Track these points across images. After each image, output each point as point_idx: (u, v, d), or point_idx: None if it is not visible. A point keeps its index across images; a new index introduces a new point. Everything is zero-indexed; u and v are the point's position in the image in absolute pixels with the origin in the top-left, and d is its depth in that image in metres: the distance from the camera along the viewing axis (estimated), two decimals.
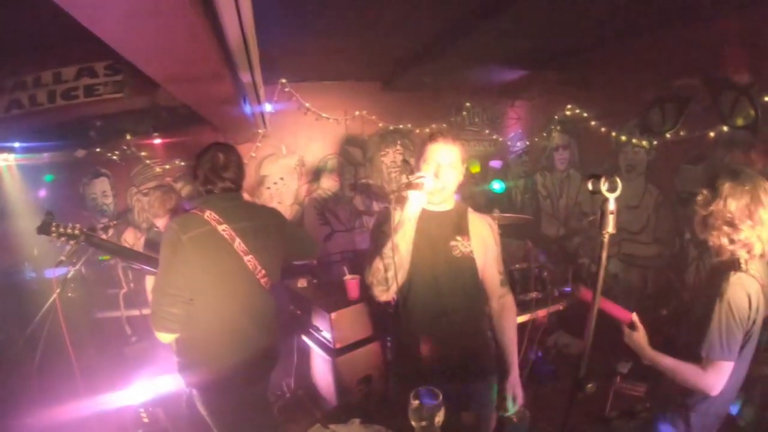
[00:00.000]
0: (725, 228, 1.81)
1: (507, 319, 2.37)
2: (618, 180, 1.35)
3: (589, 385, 1.47)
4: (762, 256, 1.82)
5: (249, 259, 2.28)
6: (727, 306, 1.74)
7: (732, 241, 1.81)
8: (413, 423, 1.62)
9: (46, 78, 2.99)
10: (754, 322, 1.78)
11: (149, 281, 3.24)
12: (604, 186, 1.35)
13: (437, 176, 2.10)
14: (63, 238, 2.52)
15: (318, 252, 2.85)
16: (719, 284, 1.78)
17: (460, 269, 2.21)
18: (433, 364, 2.19)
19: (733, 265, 1.81)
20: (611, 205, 1.36)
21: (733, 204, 1.79)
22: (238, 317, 2.28)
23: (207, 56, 1.83)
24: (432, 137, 2.16)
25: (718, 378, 1.78)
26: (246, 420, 2.37)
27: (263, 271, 2.33)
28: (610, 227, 1.37)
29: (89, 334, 3.81)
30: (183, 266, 2.12)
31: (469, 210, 2.35)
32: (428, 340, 2.20)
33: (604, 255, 1.41)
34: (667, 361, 1.89)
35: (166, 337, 2.18)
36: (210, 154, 2.37)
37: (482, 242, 2.27)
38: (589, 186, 1.37)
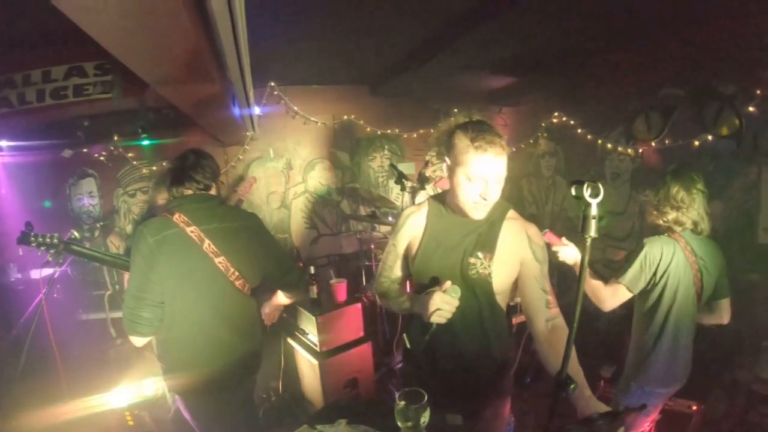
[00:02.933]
0: (661, 208, 2.39)
1: (559, 344, 1.81)
2: (600, 186, 1.38)
3: (572, 386, 1.49)
4: (698, 231, 2.37)
5: (220, 261, 2.25)
6: (643, 253, 2.33)
7: (665, 220, 2.38)
8: (399, 424, 1.64)
9: (36, 76, 2.98)
10: (666, 271, 2.32)
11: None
12: (586, 192, 1.37)
13: (485, 197, 1.80)
14: (43, 248, 2.55)
15: (300, 278, 2.77)
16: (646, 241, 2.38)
17: (474, 291, 1.93)
18: (435, 378, 2.04)
19: (658, 231, 2.41)
20: (593, 210, 1.39)
21: (670, 191, 2.36)
22: (211, 320, 2.26)
23: (199, 58, 1.83)
24: (478, 145, 1.75)
25: (614, 297, 2.38)
26: (230, 424, 2.36)
27: (236, 273, 2.29)
28: (593, 231, 1.40)
29: (74, 335, 3.77)
30: (150, 269, 2.12)
31: (509, 215, 2.00)
32: (433, 355, 2.06)
33: (587, 258, 1.44)
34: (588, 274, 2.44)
35: (138, 341, 2.20)
36: (180, 157, 2.38)
37: (510, 259, 1.94)
38: (573, 191, 1.40)
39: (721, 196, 2.28)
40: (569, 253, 2.48)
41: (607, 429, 2.14)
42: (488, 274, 1.90)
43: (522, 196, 6.23)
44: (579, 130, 5.10)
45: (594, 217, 1.39)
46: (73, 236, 3.02)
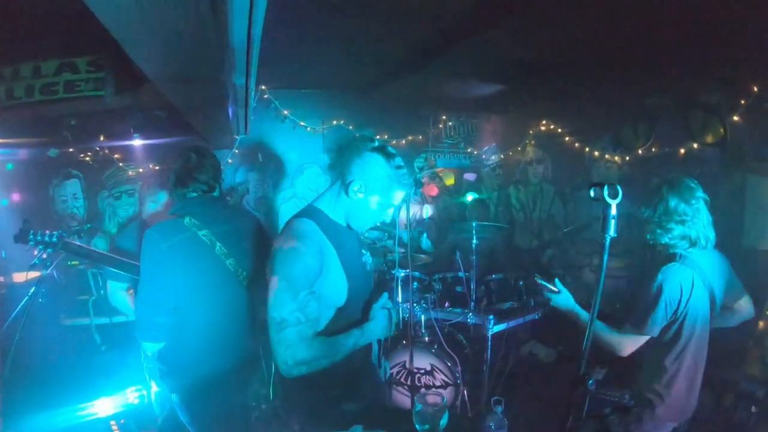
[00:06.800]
0: (664, 225, 2.12)
1: None
2: (619, 187, 1.41)
3: (591, 381, 1.49)
4: (704, 245, 2.13)
5: (230, 262, 2.26)
6: (662, 293, 2.04)
7: (671, 237, 2.12)
8: (417, 427, 1.62)
9: (26, 71, 2.88)
10: (687, 305, 2.06)
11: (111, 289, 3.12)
12: (605, 193, 1.39)
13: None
14: (40, 247, 2.44)
15: None
16: (656, 273, 2.09)
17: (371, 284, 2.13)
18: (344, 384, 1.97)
19: (672, 257, 2.13)
20: (613, 210, 1.42)
21: (669, 204, 2.10)
22: (222, 320, 2.27)
23: (208, 46, 1.77)
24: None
25: (632, 345, 2.13)
26: (229, 427, 2.35)
27: (244, 273, 2.31)
28: (612, 231, 1.42)
29: (58, 342, 3.64)
30: (164, 274, 2.10)
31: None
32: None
33: (605, 257, 1.46)
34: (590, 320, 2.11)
35: (152, 347, 2.16)
36: (183, 157, 2.33)
37: None
38: (591, 193, 1.42)
39: (707, 201, 2.20)
40: (561, 301, 2.30)
41: (618, 422, 2.18)
42: (372, 264, 2.11)
43: (509, 203, 6.27)
44: (567, 138, 5.17)
45: (614, 217, 1.42)
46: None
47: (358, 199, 1.84)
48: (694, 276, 2.07)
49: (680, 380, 2.12)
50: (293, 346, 1.67)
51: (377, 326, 1.92)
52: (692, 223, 2.10)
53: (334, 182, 1.93)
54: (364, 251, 2.07)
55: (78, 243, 2.57)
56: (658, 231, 2.14)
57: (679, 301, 2.06)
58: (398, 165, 1.86)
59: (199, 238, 2.17)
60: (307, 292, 1.70)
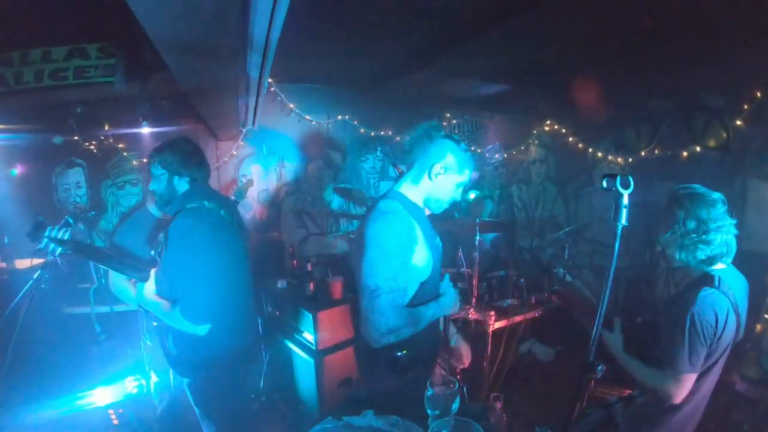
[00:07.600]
0: (704, 238, 1.92)
1: None
2: (630, 178, 1.42)
3: (600, 367, 1.49)
4: (730, 251, 1.95)
5: (242, 235, 2.55)
6: (692, 321, 1.86)
7: (713, 248, 1.92)
8: (428, 412, 1.62)
9: (35, 56, 2.86)
10: (719, 338, 1.88)
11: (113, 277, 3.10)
12: (618, 183, 1.41)
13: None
14: (51, 246, 2.36)
15: None
16: (689, 299, 1.90)
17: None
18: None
19: (705, 280, 1.93)
20: (625, 200, 1.43)
21: (701, 216, 1.92)
22: (245, 290, 2.52)
23: (227, 29, 1.76)
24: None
25: (681, 389, 1.92)
26: (238, 411, 2.46)
27: (247, 244, 2.58)
28: (624, 219, 1.44)
29: (59, 330, 3.62)
30: (213, 254, 2.23)
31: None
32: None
33: (617, 245, 1.48)
34: (636, 367, 2.07)
35: (204, 328, 2.23)
36: (178, 146, 2.41)
37: None
38: (604, 184, 1.44)
39: (725, 201, 2.08)
40: (613, 343, 2.15)
41: (622, 411, 2.19)
42: (441, 246, 2.19)
43: (512, 202, 6.29)
44: (570, 138, 5.19)
45: (626, 207, 1.44)
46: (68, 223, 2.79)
47: (439, 179, 2.02)
48: (729, 305, 1.89)
49: (684, 411, 2.00)
50: (386, 313, 1.84)
51: (449, 301, 2.14)
52: (726, 227, 1.93)
53: (410, 168, 2.10)
54: (435, 234, 2.19)
55: (88, 244, 2.58)
56: (701, 246, 1.91)
57: (714, 334, 1.87)
58: (465, 148, 2.08)
59: (223, 217, 2.36)
60: (400, 262, 1.87)
